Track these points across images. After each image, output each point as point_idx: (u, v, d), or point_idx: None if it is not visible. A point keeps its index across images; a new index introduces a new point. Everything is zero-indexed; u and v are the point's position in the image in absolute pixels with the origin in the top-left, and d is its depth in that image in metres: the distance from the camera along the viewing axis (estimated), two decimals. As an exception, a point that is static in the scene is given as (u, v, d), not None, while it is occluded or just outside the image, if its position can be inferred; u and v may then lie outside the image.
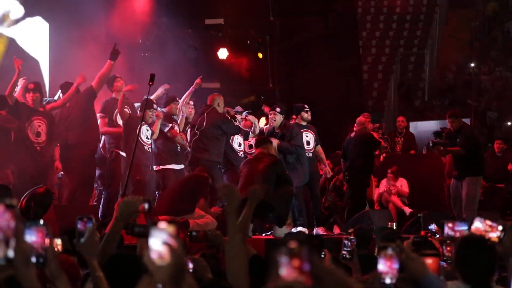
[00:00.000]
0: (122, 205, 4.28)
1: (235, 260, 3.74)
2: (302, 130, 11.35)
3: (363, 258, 5.91)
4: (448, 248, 4.33)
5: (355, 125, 12.51)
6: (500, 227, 3.76)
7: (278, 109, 11.12)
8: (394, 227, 10.45)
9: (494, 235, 3.84)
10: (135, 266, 3.58)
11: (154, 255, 2.39)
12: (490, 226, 3.82)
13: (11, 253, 2.41)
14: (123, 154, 10.74)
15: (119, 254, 3.83)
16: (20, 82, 10.34)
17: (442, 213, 11.86)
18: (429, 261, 3.57)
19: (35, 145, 10.27)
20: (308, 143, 11.43)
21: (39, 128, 10.28)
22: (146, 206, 4.26)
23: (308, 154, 11.33)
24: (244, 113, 12.38)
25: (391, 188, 13.34)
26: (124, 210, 4.25)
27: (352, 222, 10.97)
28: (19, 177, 9.99)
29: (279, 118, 11.10)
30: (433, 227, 9.33)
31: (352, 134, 12.29)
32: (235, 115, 11.78)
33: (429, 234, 9.42)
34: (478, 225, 3.88)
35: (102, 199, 10.84)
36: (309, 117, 11.59)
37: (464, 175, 11.44)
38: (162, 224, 2.40)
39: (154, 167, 10.95)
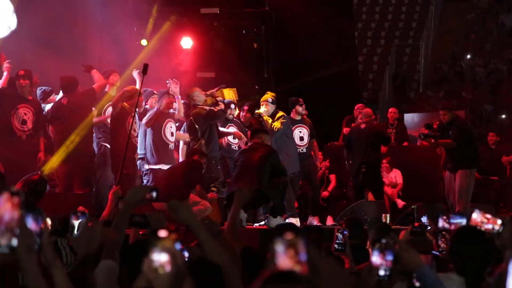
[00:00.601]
0: (129, 193, 4.31)
1: (215, 256, 3.75)
2: (296, 125, 11.32)
3: (355, 248, 5.94)
4: (443, 240, 4.34)
5: (360, 116, 12.49)
6: (499, 221, 3.77)
7: (269, 99, 11.11)
8: (388, 219, 10.49)
9: (489, 227, 3.84)
10: None
11: (154, 264, 2.38)
12: (487, 218, 3.82)
13: (14, 242, 2.41)
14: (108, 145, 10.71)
15: (140, 242, 3.84)
16: (5, 65, 10.37)
17: (436, 205, 11.87)
18: None
19: (20, 133, 10.20)
20: (301, 138, 11.40)
21: (25, 116, 10.21)
22: (154, 194, 4.26)
23: (302, 150, 11.32)
24: (244, 106, 12.35)
25: (384, 180, 13.35)
26: (132, 197, 4.26)
27: (346, 213, 10.99)
28: (5, 166, 9.90)
29: (271, 108, 11.08)
30: (425, 219, 9.34)
31: (362, 126, 12.24)
32: (218, 101, 11.48)
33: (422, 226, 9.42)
34: (475, 216, 3.89)
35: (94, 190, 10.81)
36: (304, 111, 11.56)
37: (458, 167, 11.44)
38: (162, 233, 2.40)
39: (147, 166, 10.73)
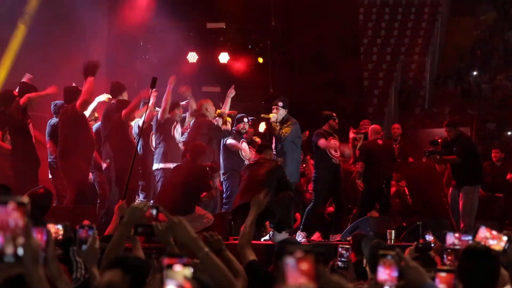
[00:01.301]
0: (130, 211, 4.27)
1: (215, 273, 3.73)
2: (329, 137, 11.17)
3: (359, 264, 5.94)
4: (449, 258, 4.33)
5: (371, 132, 12.48)
6: (504, 238, 3.75)
7: (280, 104, 11.02)
8: (393, 235, 10.46)
9: (494, 243, 3.82)
10: (142, 269, 3.58)
11: None
12: (492, 235, 3.80)
13: (20, 251, 2.41)
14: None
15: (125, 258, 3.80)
16: (26, 77, 10.55)
17: (441, 221, 11.82)
18: (442, 274, 3.50)
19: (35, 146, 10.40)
20: (336, 150, 11.26)
21: (31, 130, 10.39)
22: (154, 212, 4.21)
23: (336, 161, 11.21)
24: (249, 119, 12.37)
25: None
26: (132, 215, 4.23)
27: (352, 228, 10.95)
28: (20, 179, 9.96)
29: (282, 112, 10.99)
30: (429, 236, 9.30)
31: (380, 142, 12.25)
32: (227, 118, 11.84)
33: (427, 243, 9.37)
34: (481, 233, 3.87)
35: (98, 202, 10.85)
36: (336, 126, 11.38)
37: (462, 184, 11.45)
38: (178, 267, 2.40)
39: (161, 165, 10.99)
